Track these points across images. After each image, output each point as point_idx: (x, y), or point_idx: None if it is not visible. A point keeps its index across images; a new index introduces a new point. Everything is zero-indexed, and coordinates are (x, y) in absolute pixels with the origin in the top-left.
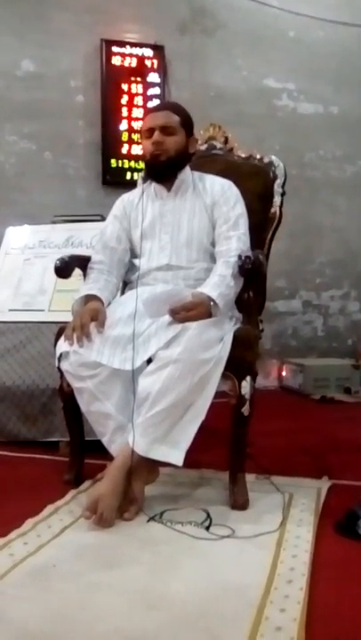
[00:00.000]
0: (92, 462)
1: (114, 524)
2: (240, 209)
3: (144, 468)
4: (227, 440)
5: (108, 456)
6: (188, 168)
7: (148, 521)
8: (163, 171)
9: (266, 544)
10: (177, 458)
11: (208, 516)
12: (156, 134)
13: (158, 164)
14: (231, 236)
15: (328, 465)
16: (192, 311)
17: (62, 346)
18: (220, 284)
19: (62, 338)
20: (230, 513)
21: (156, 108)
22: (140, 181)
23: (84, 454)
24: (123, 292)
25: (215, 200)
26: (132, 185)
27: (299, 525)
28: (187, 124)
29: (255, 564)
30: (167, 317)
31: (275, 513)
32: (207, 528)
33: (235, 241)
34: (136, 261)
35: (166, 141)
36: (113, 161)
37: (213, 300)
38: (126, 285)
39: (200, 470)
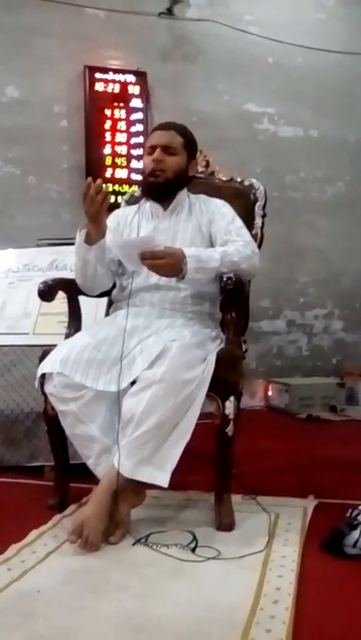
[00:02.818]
0: (77, 486)
1: (99, 548)
2: (239, 222)
3: (130, 490)
4: (212, 461)
5: (93, 479)
6: (185, 189)
7: (134, 544)
8: (160, 191)
9: (252, 565)
10: (163, 479)
11: (194, 537)
12: (158, 152)
13: (154, 184)
14: (236, 240)
15: (314, 484)
16: (161, 260)
17: (45, 367)
18: (202, 251)
19: (45, 360)
20: (216, 534)
21: (161, 127)
22: (123, 204)
23: (69, 478)
24: (108, 312)
25: (211, 218)
26: (115, 208)
27: (285, 545)
28: (190, 146)
29: (241, 585)
30: (152, 339)
31: (261, 533)
32: (193, 550)
33: (240, 244)
34: (125, 280)
35: (166, 160)
36: None
37: (186, 258)
38: (111, 305)
39: (186, 492)
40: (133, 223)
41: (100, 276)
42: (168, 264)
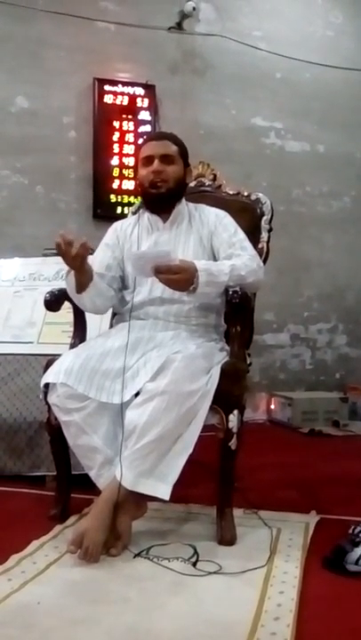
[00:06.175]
0: (79, 497)
1: (99, 560)
2: (242, 234)
3: (131, 502)
4: (214, 474)
5: (94, 490)
6: (183, 199)
7: (135, 557)
8: (162, 202)
9: (253, 580)
10: (164, 492)
11: (195, 551)
12: (156, 163)
13: (158, 195)
14: (241, 254)
15: (316, 499)
16: (176, 275)
17: (49, 377)
18: (212, 264)
19: (48, 370)
20: (218, 548)
21: (154, 137)
22: (130, 215)
23: (71, 488)
24: (111, 324)
25: (212, 229)
26: (122, 219)
27: (286, 561)
28: (184, 154)
29: (242, 600)
30: (155, 352)
31: (262, 548)
32: (194, 564)
33: (246, 258)
34: (128, 294)
35: (166, 170)
36: (104, 195)
37: (197, 272)
38: (115, 316)
39: (187, 505)
40: (133, 236)
41: (100, 305)
42: (183, 279)
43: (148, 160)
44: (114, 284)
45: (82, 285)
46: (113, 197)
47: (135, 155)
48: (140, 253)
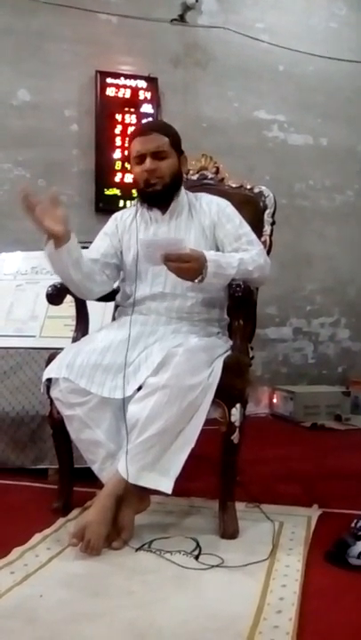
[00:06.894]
0: (82, 490)
1: (101, 553)
2: (247, 226)
3: (134, 496)
4: (217, 468)
5: (97, 484)
6: (182, 188)
7: (137, 550)
8: (159, 198)
9: (255, 573)
10: (166, 485)
11: (197, 544)
12: (149, 161)
13: (154, 193)
14: (248, 248)
15: (318, 493)
16: (187, 263)
17: (51, 371)
18: (221, 256)
19: (50, 365)
20: (220, 542)
21: (142, 132)
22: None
23: (73, 482)
24: (114, 317)
25: (215, 220)
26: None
27: (289, 554)
28: (176, 142)
29: (244, 593)
30: (156, 345)
31: (264, 542)
32: (196, 557)
33: (255, 252)
34: (127, 286)
35: (160, 167)
36: (106, 189)
37: (207, 262)
38: (117, 309)
39: (190, 499)
40: (132, 228)
41: (79, 281)
42: (193, 268)
43: (140, 158)
44: (107, 269)
45: (56, 243)
46: (115, 191)
47: (131, 142)
48: (150, 241)
